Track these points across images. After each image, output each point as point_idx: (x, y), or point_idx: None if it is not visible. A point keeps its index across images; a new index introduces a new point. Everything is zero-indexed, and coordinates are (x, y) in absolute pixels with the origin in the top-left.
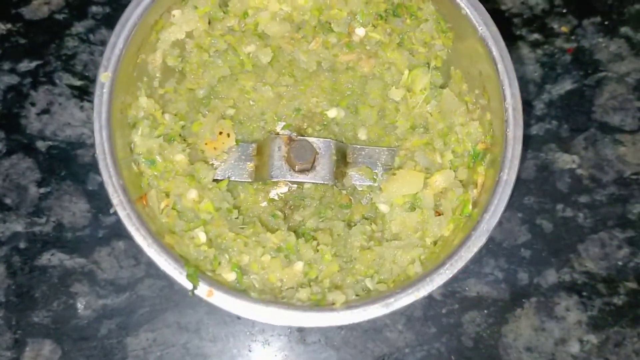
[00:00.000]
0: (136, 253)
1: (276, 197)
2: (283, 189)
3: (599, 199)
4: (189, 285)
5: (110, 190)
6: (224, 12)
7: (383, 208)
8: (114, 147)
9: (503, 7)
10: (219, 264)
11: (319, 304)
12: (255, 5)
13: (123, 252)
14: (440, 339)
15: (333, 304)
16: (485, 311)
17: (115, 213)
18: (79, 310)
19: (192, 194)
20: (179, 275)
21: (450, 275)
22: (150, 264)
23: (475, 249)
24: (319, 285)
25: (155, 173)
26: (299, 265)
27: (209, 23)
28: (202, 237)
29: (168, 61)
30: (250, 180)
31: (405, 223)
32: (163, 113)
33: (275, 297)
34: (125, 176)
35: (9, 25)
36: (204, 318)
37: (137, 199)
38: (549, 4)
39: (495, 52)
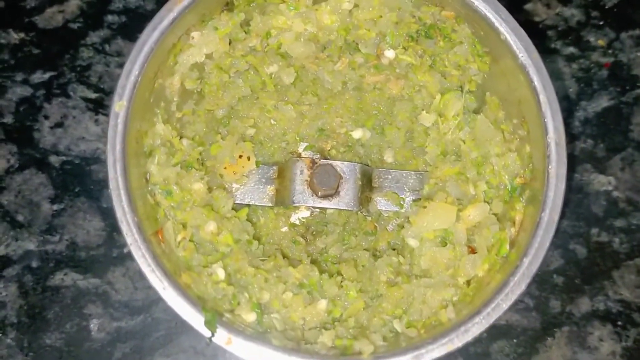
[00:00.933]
0: None
1: (297, 222)
2: (305, 213)
3: (635, 223)
4: (206, 332)
5: (124, 228)
6: (245, 32)
7: (412, 243)
8: (129, 182)
9: (537, 19)
10: (238, 303)
11: (345, 353)
12: (278, 25)
13: (138, 273)
14: None
15: (360, 353)
16: (515, 340)
17: (129, 252)
18: (93, 333)
19: (211, 227)
20: (196, 322)
21: (487, 325)
22: None
23: (514, 297)
24: (343, 326)
25: (172, 204)
26: (322, 304)
27: (229, 43)
28: (220, 273)
29: (186, 84)
30: (270, 205)
31: (436, 259)
32: (180, 138)
33: (297, 343)
34: (140, 209)
35: (22, 35)
36: None
37: (153, 234)
38: (585, 16)
39: (537, 82)
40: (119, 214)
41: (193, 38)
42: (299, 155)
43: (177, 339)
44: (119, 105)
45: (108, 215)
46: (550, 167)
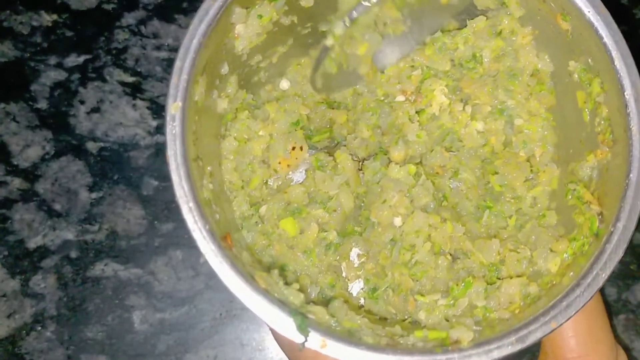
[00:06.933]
0: (194, 263)
1: None
2: None
3: None
4: (298, 338)
5: (197, 236)
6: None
7: None
8: (195, 187)
9: None
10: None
11: (443, 344)
12: None
13: (181, 262)
14: (521, 358)
15: (458, 342)
16: None
17: (204, 261)
18: (135, 325)
19: None
20: (286, 329)
21: (589, 297)
22: (210, 275)
23: (612, 265)
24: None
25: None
26: None
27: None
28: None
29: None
30: None
31: None
32: None
33: (392, 340)
34: (209, 217)
35: (54, 16)
36: (267, 335)
37: (222, 238)
38: None
39: (607, 39)
40: (189, 222)
41: (237, 31)
42: None
43: (223, 331)
44: (174, 107)
45: (149, 204)
46: (632, 124)
